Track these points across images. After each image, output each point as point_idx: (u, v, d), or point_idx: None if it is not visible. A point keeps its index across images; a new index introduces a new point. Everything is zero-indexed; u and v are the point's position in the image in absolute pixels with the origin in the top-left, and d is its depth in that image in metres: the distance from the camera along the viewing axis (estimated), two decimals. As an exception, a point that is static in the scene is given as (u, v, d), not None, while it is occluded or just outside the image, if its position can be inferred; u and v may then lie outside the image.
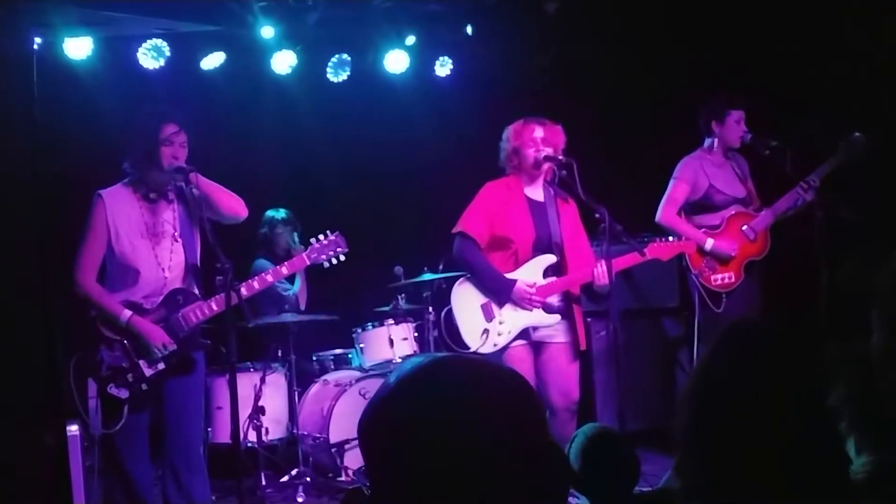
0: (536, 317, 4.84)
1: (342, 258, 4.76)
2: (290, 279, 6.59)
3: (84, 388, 4.21)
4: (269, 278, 4.50)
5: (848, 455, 1.72)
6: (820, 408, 1.51)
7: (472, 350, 4.81)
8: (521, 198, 4.93)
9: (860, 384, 1.85)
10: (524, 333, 4.86)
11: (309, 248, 4.72)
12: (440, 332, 5.06)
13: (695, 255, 5.47)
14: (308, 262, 4.68)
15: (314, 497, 5.72)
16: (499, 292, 4.83)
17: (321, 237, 4.72)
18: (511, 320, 4.83)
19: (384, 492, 1.21)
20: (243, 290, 4.29)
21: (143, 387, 4.23)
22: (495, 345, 4.82)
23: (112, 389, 4.19)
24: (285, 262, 4.72)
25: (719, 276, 5.49)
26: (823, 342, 1.63)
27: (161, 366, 4.26)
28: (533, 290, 4.79)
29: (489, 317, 4.84)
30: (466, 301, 4.90)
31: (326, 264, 4.75)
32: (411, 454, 1.18)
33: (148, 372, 4.24)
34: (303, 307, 6.60)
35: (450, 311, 4.93)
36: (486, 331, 4.83)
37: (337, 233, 4.75)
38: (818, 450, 1.48)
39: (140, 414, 4.27)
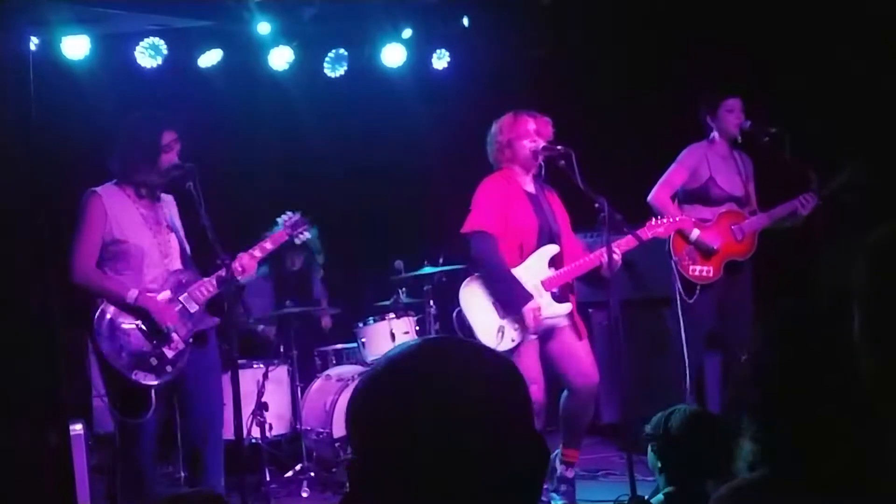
0: (549, 308, 4.83)
1: (307, 235, 4.81)
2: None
3: (108, 382, 4.23)
4: (257, 253, 4.53)
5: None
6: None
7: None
8: (520, 190, 4.93)
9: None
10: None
11: (283, 225, 4.73)
12: (448, 329, 5.03)
13: (678, 241, 5.46)
14: (286, 238, 4.70)
15: (318, 492, 5.73)
16: (511, 305, 4.75)
17: (288, 214, 4.76)
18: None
19: (368, 474, 1.20)
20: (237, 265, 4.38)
21: (169, 368, 4.25)
22: (513, 340, 4.78)
23: (138, 376, 4.18)
24: (268, 238, 4.65)
25: (698, 267, 5.47)
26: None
27: (181, 345, 4.28)
28: (540, 315, 4.76)
29: (503, 314, 4.82)
30: (477, 300, 4.84)
31: (297, 241, 4.81)
32: (395, 436, 1.17)
33: (170, 354, 4.26)
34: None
35: (461, 313, 4.85)
36: (501, 328, 4.79)
37: (298, 213, 4.78)
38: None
39: (160, 404, 4.27)
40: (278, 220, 4.75)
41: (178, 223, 4.50)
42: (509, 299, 4.78)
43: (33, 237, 3.30)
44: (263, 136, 6.96)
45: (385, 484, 1.18)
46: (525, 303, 4.73)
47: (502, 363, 1.26)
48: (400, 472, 1.17)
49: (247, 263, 4.43)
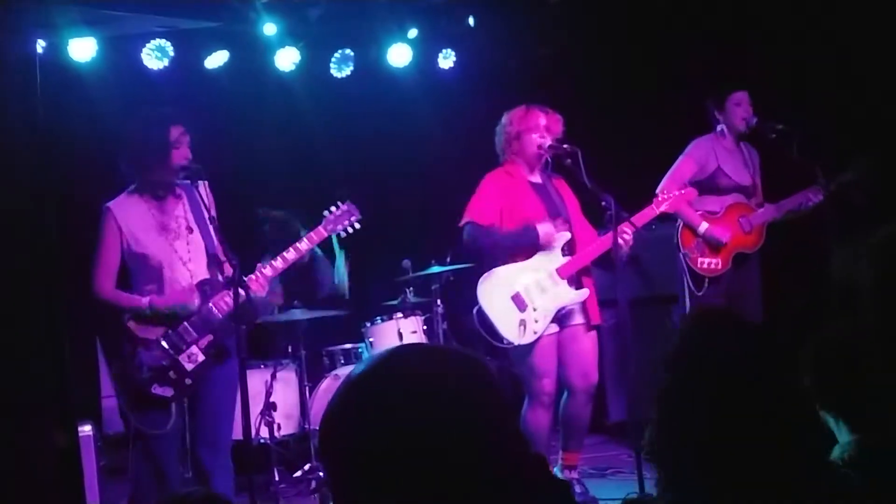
0: (567, 296, 4.83)
1: (357, 226, 4.66)
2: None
3: (129, 394, 4.20)
4: (291, 256, 4.42)
5: (825, 439, 1.73)
6: (796, 395, 1.52)
7: (514, 343, 4.77)
8: (524, 182, 4.95)
9: (844, 367, 1.87)
10: (555, 318, 4.84)
11: (324, 220, 4.58)
12: (456, 328, 5.02)
13: (687, 233, 5.47)
14: (326, 234, 4.56)
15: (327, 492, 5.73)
16: (527, 242, 4.82)
17: (333, 208, 4.60)
18: (544, 305, 4.80)
19: (344, 485, 1.20)
20: (268, 270, 4.31)
21: (188, 381, 4.20)
22: (535, 332, 4.77)
23: (156, 389, 4.16)
24: (305, 236, 4.55)
25: (706, 260, 5.47)
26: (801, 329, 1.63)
27: (201, 357, 4.22)
28: (552, 226, 4.83)
29: (522, 307, 4.80)
30: (495, 296, 4.84)
31: (343, 234, 4.66)
32: (369, 444, 1.17)
33: (189, 366, 4.21)
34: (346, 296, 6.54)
35: (481, 310, 4.85)
36: (522, 321, 4.78)
37: (348, 202, 4.65)
38: (798, 437, 1.49)
39: (179, 415, 4.26)
40: (324, 213, 4.59)
41: (205, 215, 4.34)
42: (522, 242, 4.81)
43: (40, 240, 3.31)
44: (270, 137, 6.96)
45: (373, 493, 1.17)
46: (535, 231, 4.79)
47: (476, 366, 1.25)
48: (387, 481, 1.15)
49: (259, 283, 4.29)
